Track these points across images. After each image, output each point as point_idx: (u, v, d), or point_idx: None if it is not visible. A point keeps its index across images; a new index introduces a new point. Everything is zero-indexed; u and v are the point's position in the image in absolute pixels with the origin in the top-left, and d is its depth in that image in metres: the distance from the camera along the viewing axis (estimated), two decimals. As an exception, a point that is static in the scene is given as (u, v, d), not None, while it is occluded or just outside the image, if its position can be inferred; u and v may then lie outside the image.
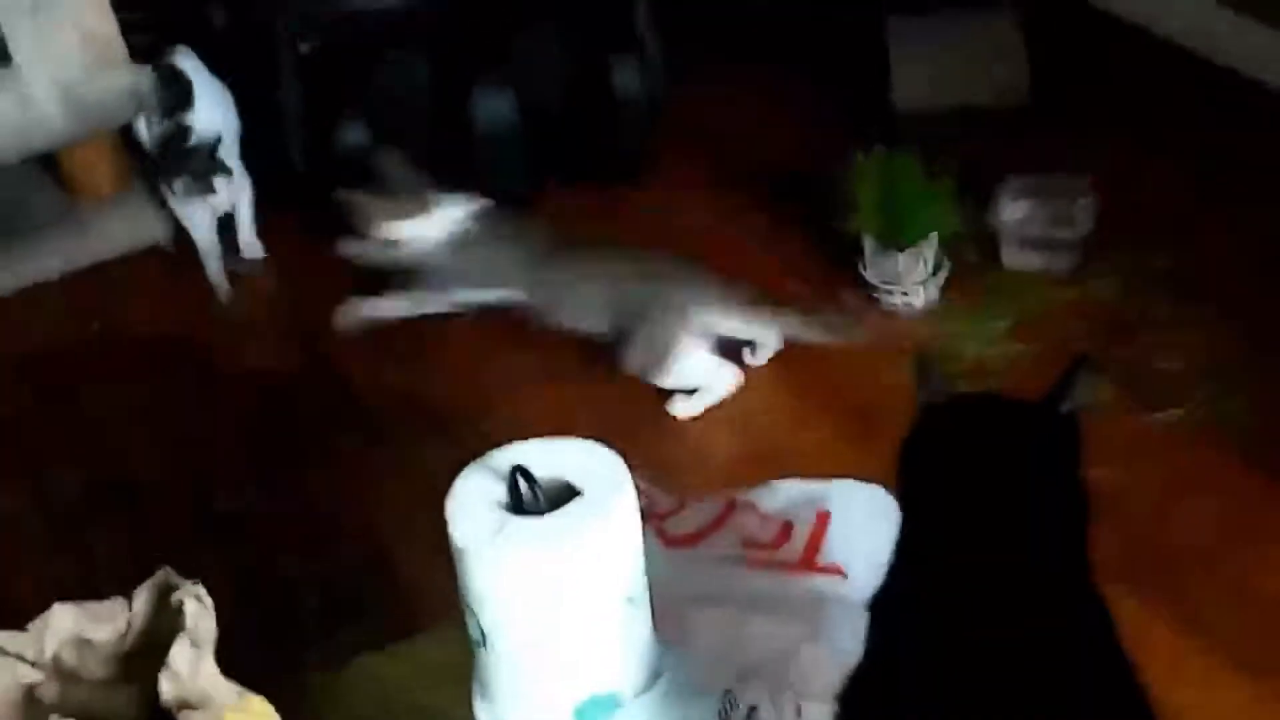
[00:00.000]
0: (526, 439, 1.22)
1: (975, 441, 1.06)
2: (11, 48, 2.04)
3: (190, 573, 1.27)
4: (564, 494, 1.17)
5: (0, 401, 2.09)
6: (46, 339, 2.21)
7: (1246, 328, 1.92)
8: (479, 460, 1.20)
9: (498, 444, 1.22)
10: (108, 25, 2.09)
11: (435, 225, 2.04)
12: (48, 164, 2.32)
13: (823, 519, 1.41)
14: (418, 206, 2.04)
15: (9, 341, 2.20)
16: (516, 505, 1.16)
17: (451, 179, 2.26)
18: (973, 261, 2.08)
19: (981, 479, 1.04)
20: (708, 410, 1.90)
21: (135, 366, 2.14)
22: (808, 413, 1.88)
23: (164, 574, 1.24)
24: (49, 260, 2.27)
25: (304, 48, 2.17)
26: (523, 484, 1.15)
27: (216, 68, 2.14)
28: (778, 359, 1.99)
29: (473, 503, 1.16)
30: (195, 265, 2.30)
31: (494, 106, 2.18)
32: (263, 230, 2.31)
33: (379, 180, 2.07)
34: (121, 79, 2.14)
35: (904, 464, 1.10)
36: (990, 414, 1.08)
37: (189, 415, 2.05)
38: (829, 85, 2.56)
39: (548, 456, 1.20)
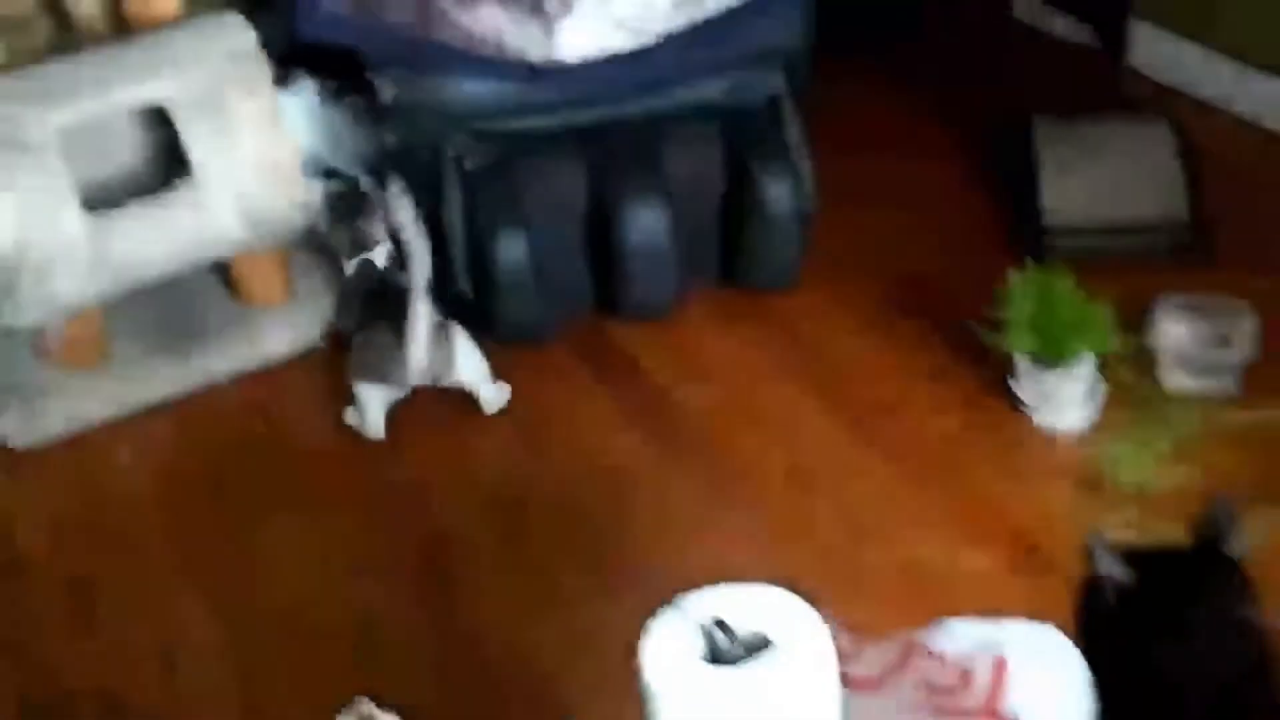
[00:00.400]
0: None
1: (1155, 613, 1.07)
2: (193, 162, 2.15)
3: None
4: (757, 642, 1.19)
5: (171, 504, 2.17)
6: (217, 439, 2.28)
7: None
8: (669, 606, 1.22)
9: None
10: (284, 143, 2.19)
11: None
12: (217, 270, 2.42)
13: (1000, 666, 1.40)
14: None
15: (180, 441, 2.28)
16: (712, 654, 1.18)
17: (602, 287, 2.35)
18: (1130, 382, 2.07)
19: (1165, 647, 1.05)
20: (863, 536, 1.93)
21: (296, 473, 2.19)
22: (968, 539, 1.89)
23: (363, 704, 1.29)
24: (219, 363, 2.36)
25: (468, 164, 2.24)
26: (719, 634, 1.18)
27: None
28: (929, 485, 2.00)
29: (668, 651, 1.19)
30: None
31: (645, 219, 2.24)
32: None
33: (361, 213, 2.23)
34: (295, 193, 2.23)
35: (1087, 642, 1.11)
36: (1164, 579, 1.08)
37: (346, 526, 2.07)
38: (979, 191, 2.57)
39: (737, 603, 1.22)
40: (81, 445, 2.27)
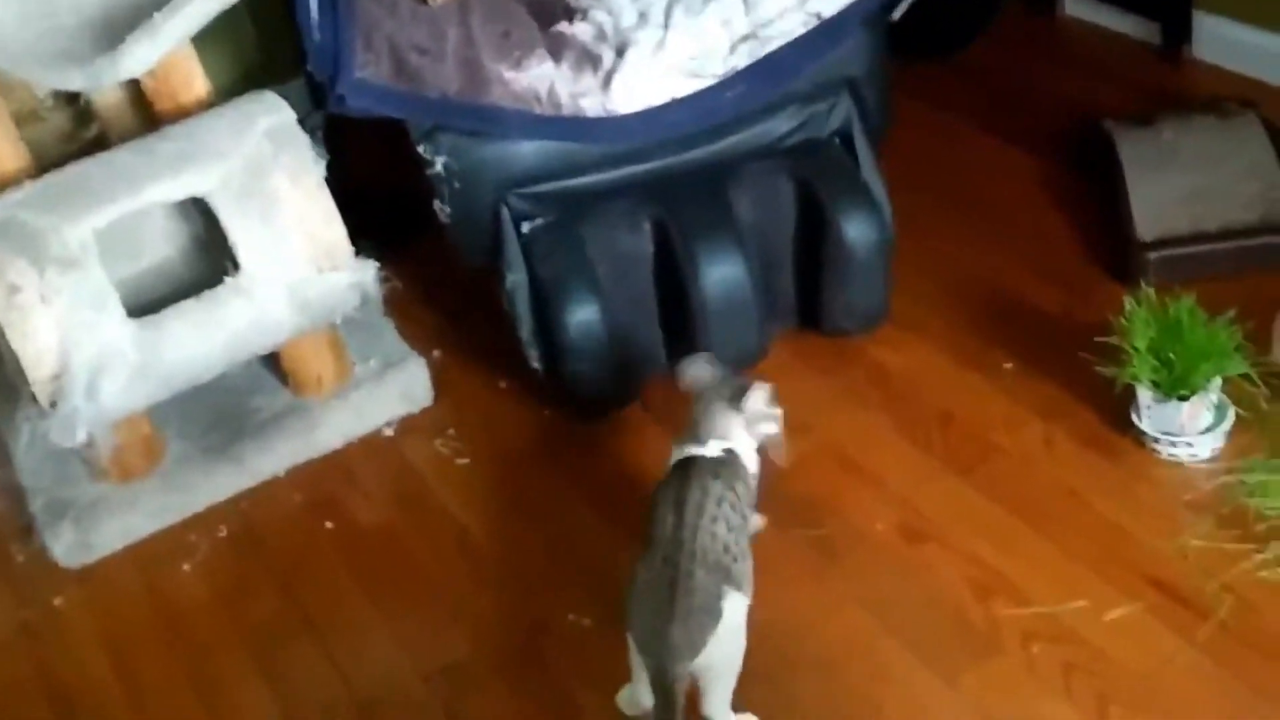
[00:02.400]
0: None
1: None
2: (241, 255, 2.01)
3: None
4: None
5: (238, 608, 2.04)
6: (282, 537, 2.15)
7: None
8: None
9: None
10: (335, 229, 2.05)
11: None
12: (267, 358, 2.29)
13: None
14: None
15: (247, 539, 2.15)
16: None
17: (677, 344, 2.21)
18: (1260, 403, 1.94)
19: None
20: (991, 593, 1.81)
21: (367, 565, 2.07)
22: (1105, 589, 1.77)
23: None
24: (277, 456, 2.23)
25: (525, 227, 2.11)
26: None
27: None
28: (1056, 532, 1.88)
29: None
30: (418, 448, 2.26)
31: (721, 269, 2.10)
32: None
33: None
34: (346, 276, 2.09)
35: None
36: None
37: (427, 616, 1.96)
38: (1055, 206, 2.44)
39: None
40: (137, 556, 2.15)
